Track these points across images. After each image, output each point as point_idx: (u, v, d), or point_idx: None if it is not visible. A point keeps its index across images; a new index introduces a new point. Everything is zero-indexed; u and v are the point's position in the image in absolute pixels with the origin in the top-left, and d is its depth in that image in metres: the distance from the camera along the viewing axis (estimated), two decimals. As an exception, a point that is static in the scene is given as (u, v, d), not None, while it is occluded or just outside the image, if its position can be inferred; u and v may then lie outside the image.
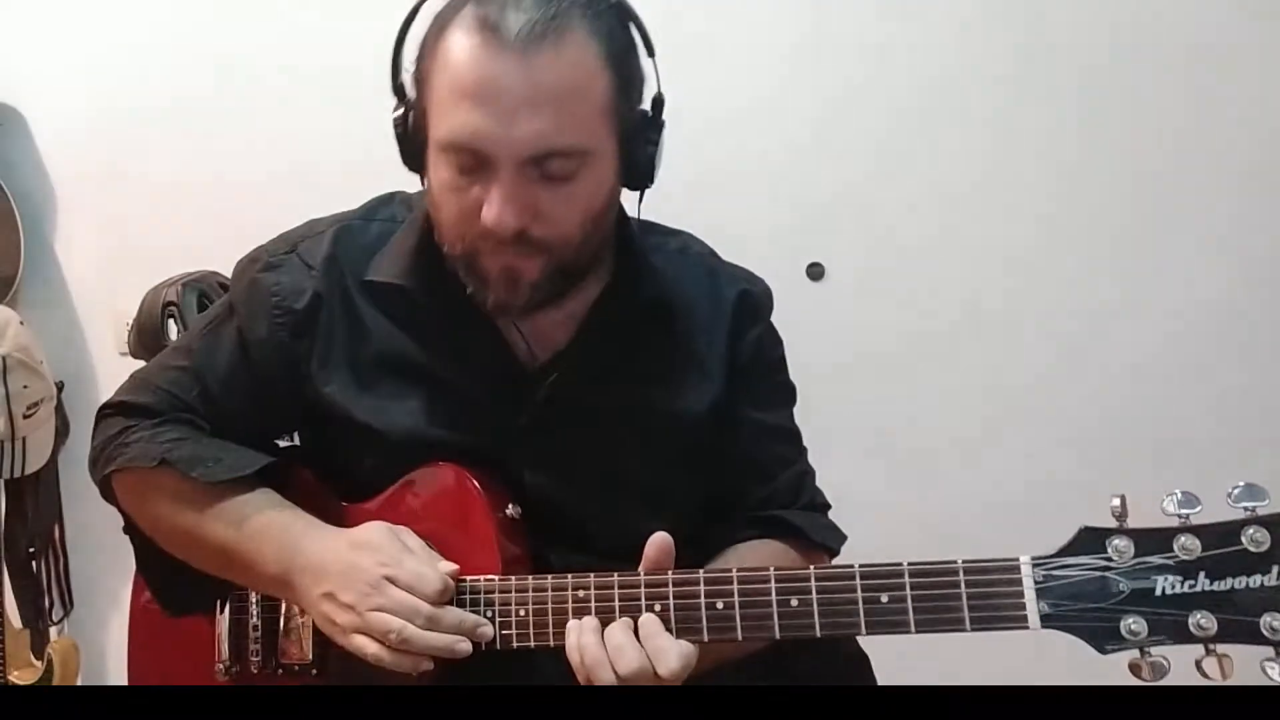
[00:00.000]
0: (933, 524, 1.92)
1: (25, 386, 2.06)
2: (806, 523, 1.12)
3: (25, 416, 2.07)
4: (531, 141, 0.92)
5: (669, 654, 0.88)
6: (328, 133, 2.13)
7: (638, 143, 1.01)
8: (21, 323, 2.11)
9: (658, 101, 1.02)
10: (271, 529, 1.03)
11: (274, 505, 1.05)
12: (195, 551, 1.08)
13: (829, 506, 1.19)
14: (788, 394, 1.21)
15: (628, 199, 1.10)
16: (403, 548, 0.98)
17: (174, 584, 1.12)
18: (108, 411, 1.14)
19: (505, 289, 0.99)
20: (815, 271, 2.02)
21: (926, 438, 1.99)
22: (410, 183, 1.13)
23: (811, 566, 0.89)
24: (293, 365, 1.09)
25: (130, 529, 1.13)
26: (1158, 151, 1.90)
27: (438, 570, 0.96)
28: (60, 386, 2.22)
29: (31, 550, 2.20)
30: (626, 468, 1.09)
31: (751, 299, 1.16)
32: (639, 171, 1.02)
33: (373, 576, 0.95)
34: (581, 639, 0.91)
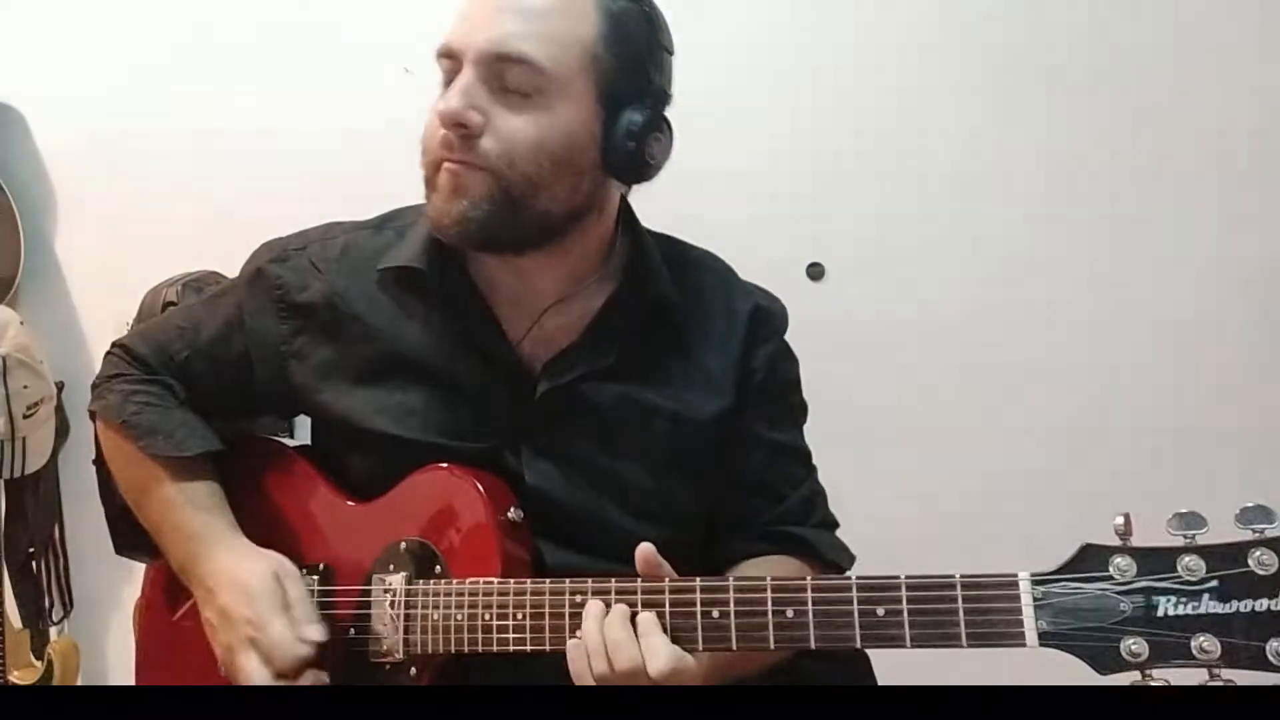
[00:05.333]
0: (932, 525, 1.92)
1: (25, 386, 2.05)
2: (817, 539, 1.12)
3: (25, 416, 2.07)
4: (496, 38, 0.96)
5: (659, 654, 0.88)
6: (329, 133, 2.13)
7: (620, 117, 1.00)
8: (21, 323, 2.11)
9: (660, 93, 1.03)
10: (183, 528, 1.10)
11: (198, 509, 1.11)
12: (136, 509, 1.15)
13: (838, 525, 1.18)
14: (800, 413, 1.20)
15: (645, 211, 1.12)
16: (276, 606, 1.01)
17: (123, 522, 1.17)
18: (114, 350, 1.22)
19: (446, 198, 0.99)
20: (815, 271, 2.02)
21: (926, 438, 1.99)
22: (403, 192, 1.14)
23: (808, 578, 0.88)
24: (284, 359, 1.12)
25: (99, 461, 1.20)
26: (1159, 149, 1.90)
27: (294, 643, 0.99)
28: (60, 386, 2.21)
29: (31, 550, 2.20)
30: (627, 472, 1.09)
31: (765, 313, 1.15)
32: (617, 152, 1.00)
33: (239, 634, 1.01)
34: (586, 625, 0.91)
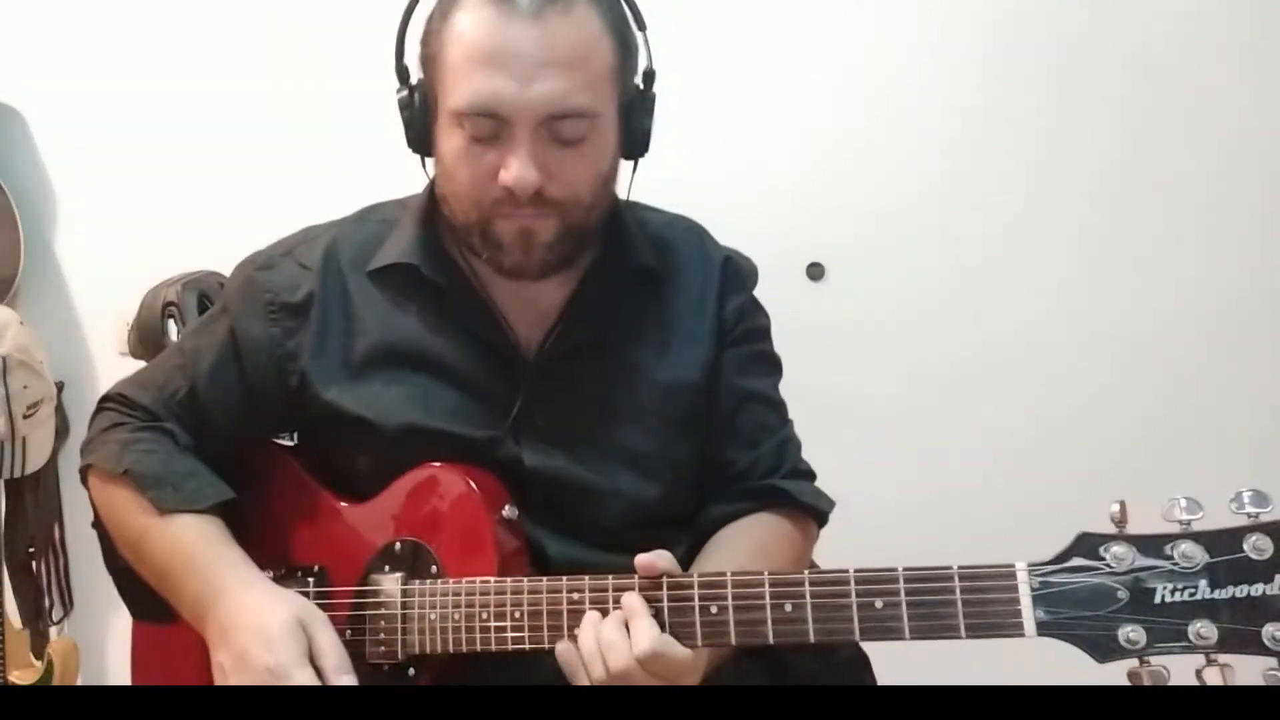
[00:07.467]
0: (933, 525, 1.92)
1: (25, 386, 2.05)
2: (793, 488, 1.13)
3: (25, 416, 2.07)
4: (548, 102, 0.97)
5: (642, 636, 0.88)
6: (329, 132, 2.13)
7: (635, 111, 1.06)
8: (21, 323, 2.11)
9: (649, 74, 1.07)
10: (198, 571, 1.03)
11: (210, 544, 1.05)
12: (138, 561, 1.09)
13: (814, 475, 1.19)
14: (772, 364, 1.21)
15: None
16: (300, 655, 0.95)
17: (134, 585, 1.11)
18: (105, 404, 1.17)
19: (521, 250, 1.03)
20: (815, 271, 2.02)
21: (926, 438, 1.99)
22: (400, 188, 1.16)
23: (806, 571, 0.88)
24: (282, 362, 1.11)
25: (98, 523, 1.15)
26: (1155, 150, 1.91)
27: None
28: (60, 386, 2.21)
29: (31, 550, 2.19)
30: (625, 437, 1.10)
31: (735, 265, 1.19)
32: (635, 140, 1.08)
33: (258, 682, 0.94)
34: (583, 633, 0.91)
